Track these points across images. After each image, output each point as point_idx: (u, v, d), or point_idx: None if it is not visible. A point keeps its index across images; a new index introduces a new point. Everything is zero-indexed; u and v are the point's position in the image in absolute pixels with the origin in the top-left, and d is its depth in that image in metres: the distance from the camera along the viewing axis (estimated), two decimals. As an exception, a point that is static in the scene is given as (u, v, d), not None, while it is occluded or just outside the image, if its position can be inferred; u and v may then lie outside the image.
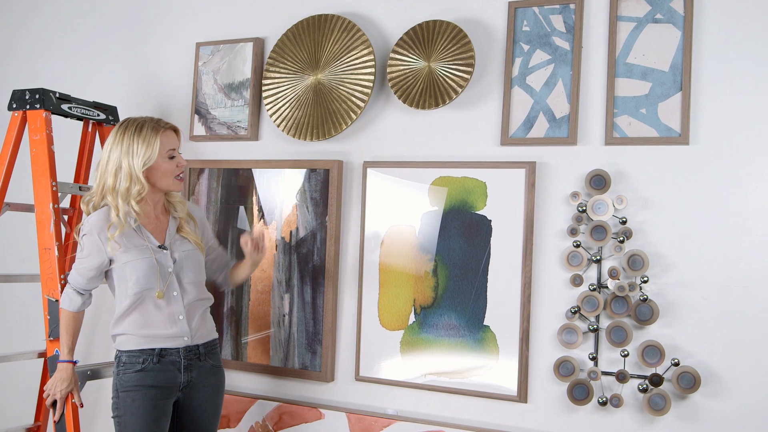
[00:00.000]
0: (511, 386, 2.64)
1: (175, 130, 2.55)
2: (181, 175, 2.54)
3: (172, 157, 2.51)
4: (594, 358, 2.53)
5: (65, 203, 3.20)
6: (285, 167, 3.04)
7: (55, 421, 2.60)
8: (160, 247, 2.53)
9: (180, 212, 2.61)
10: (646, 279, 2.46)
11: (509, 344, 2.65)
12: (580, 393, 2.53)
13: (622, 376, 2.47)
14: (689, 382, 2.39)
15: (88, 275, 2.52)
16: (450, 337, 2.74)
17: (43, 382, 3.18)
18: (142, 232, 2.52)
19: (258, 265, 2.79)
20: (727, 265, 2.40)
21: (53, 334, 2.66)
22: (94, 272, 2.51)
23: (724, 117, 2.43)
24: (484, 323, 2.68)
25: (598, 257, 2.53)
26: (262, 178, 3.09)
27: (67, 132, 3.29)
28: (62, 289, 2.65)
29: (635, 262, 2.47)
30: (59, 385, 2.57)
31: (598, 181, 2.53)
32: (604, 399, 2.49)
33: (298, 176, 3.01)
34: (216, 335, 2.67)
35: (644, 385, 2.44)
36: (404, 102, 2.79)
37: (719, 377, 2.40)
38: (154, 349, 2.48)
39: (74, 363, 2.59)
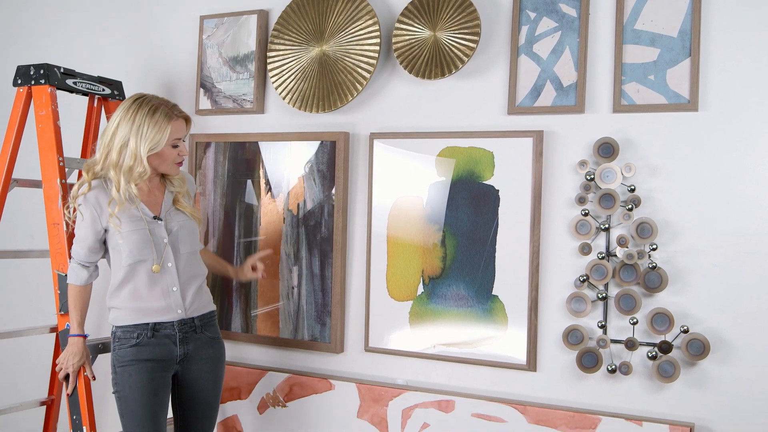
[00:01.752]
0: (521, 355, 2.65)
1: (187, 120, 2.56)
2: (180, 162, 2.57)
3: (176, 146, 2.52)
4: (603, 326, 2.53)
5: (72, 179, 3.20)
6: (291, 140, 3.03)
7: (68, 394, 2.63)
8: (154, 218, 2.53)
9: (177, 186, 2.62)
10: (654, 247, 2.46)
11: (518, 314, 2.65)
12: (589, 361, 2.54)
13: (631, 344, 2.48)
14: (698, 348, 2.39)
15: (87, 246, 2.53)
16: (459, 308, 2.74)
17: (56, 356, 3.20)
18: (137, 204, 2.52)
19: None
20: (737, 231, 2.39)
21: (64, 308, 2.68)
22: (91, 243, 2.52)
23: (734, 83, 2.41)
24: (493, 293, 2.69)
25: (607, 225, 2.52)
26: (268, 151, 3.08)
27: (73, 107, 3.29)
28: (71, 264, 2.67)
29: (644, 229, 2.46)
30: (71, 358, 2.59)
31: (606, 149, 2.52)
32: (614, 367, 2.50)
33: (304, 148, 3.00)
34: (213, 308, 2.68)
35: (653, 353, 2.45)
36: (410, 72, 2.77)
37: (729, 344, 2.40)
38: (148, 324, 2.50)
39: (85, 337, 2.61)
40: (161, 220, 2.55)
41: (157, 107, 2.48)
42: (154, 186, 2.60)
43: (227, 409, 3.10)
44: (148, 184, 2.57)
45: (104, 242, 2.55)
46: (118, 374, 2.50)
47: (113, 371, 2.52)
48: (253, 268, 2.85)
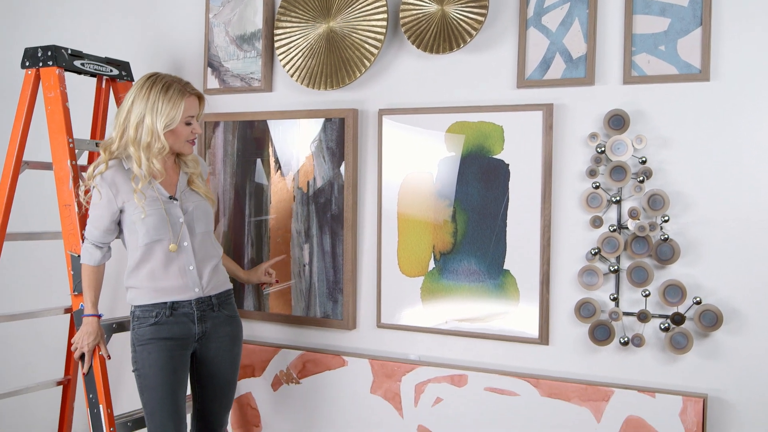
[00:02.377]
0: (533, 329, 2.65)
1: (200, 98, 2.58)
2: (193, 140, 2.58)
3: (189, 123, 2.54)
4: (615, 299, 2.53)
5: (83, 160, 3.21)
6: (300, 117, 3.02)
7: (83, 374, 2.65)
8: (170, 198, 2.55)
9: (191, 168, 2.64)
10: (666, 218, 2.44)
11: (530, 288, 2.65)
12: (601, 334, 2.54)
13: (643, 316, 2.47)
14: (711, 320, 2.39)
15: (102, 227, 2.55)
16: (470, 283, 2.74)
17: (71, 336, 3.23)
18: (153, 185, 2.54)
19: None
20: (750, 201, 2.38)
21: (77, 288, 2.70)
22: (107, 224, 2.54)
23: (746, 52, 2.38)
24: (504, 268, 2.69)
25: (618, 198, 2.51)
26: (277, 130, 3.08)
27: (82, 89, 3.29)
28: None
29: (655, 201, 2.45)
30: (86, 338, 2.61)
31: (617, 121, 2.50)
32: (626, 339, 2.50)
33: (313, 126, 3.00)
34: (230, 286, 2.70)
35: (666, 324, 2.44)
36: (418, 47, 2.76)
37: (742, 314, 2.39)
38: (166, 303, 2.53)
39: (99, 317, 2.63)
40: (177, 200, 2.57)
41: (171, 84, 2.50)
42: (169, 167, 2.62)
43: (241, 386, 3.13)
44: (163, 164, 2.58)
45: (118, 223, 2.57)
46: (137, 353, 2.53)
47: (133, 350, 2.54)
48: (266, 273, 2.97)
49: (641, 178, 2.47)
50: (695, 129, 2.44)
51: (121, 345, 3.23)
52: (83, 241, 2.62)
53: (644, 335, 2.49)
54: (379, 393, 2.88)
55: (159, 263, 2.52)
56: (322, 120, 2.98)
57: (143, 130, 2.47)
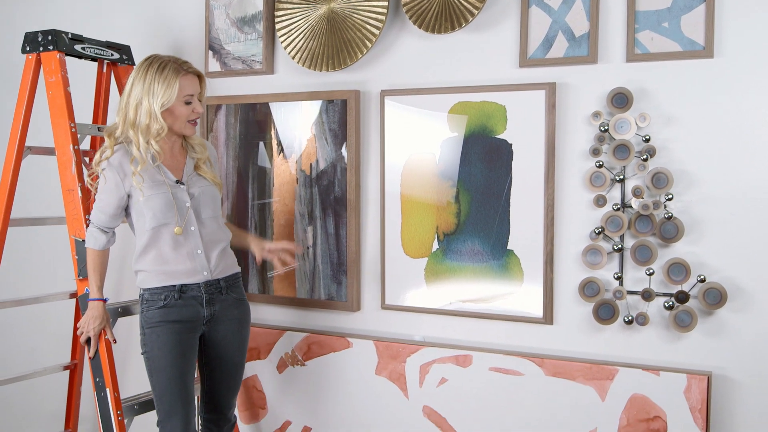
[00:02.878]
0: (537, 309, 2.65)
1: (200, 76, 2.57)
2: (194, 120, 2.56)
3: (189, 103, 2.52)
4: (619, 278, 2.53)
5: (85, 144, 3.21)
6: (302, 99, 3.01)
7: (90, 358, 2.66)
8: (177, 182, 2.55)
9: (199, 153, 2.63)
10: (670, 197, 2.44)
11: (534, 267, 2.65)
12: (605, 313, 2.54)
13: (647, 295, 2.47)
14: (715, 297, 2.39)
15: (109, 212, 2.55)
16: (474, 263, 2.74)
17: (77, 321, 3.24)
18: (160, 169, 2.55)
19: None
20: (754, 179, 2.37)
21: (82, 273, 2.70)
22: (114, 208, 2.55)
23: (750, 28, 2.36)
24: (508, 247, 2.68)
25: (622, 177, 2.51)
26: (279, 112, 3.07)
27: (83, 73, 3.28)
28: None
29: (659, 180, 2.44)
30: (92, 322, 2.62)
31: (620, 100, 2.49)
32: (630, 318, 2.50)
33: (315, 108, 2.99)
34: (238, 269, 2.70)
35: (670, 303, 2.44)
36: (419, 27, 2.74)
37: (746, 292, 2.39)
38: (174, 286, 2.53)
39: (104, 301, 2.64)
40: (183, 184, 2.57)
41: (166, 64, 2.49)
42: (177, 151, 2.62)
43: (247, 369, 3.14)
44: (170, 148, 2.59)
45: (125, 208, 2.57)
46: (146, 335, 2.54)
47: (142, 332, 2.56)
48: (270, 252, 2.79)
49: (645, 157, 2.46)
50: (699, 106, 2.42)
51: (126, 329, 3.24)
52: (88, 226, 2.63)
53: (648, 314, 2.49)
54: (384, 374, 2.89)
55: (167, 247, 2.53)
56: (324, 102, 2.97)
57: (142, 112, 2.47)
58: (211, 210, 2.61)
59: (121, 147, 2.54)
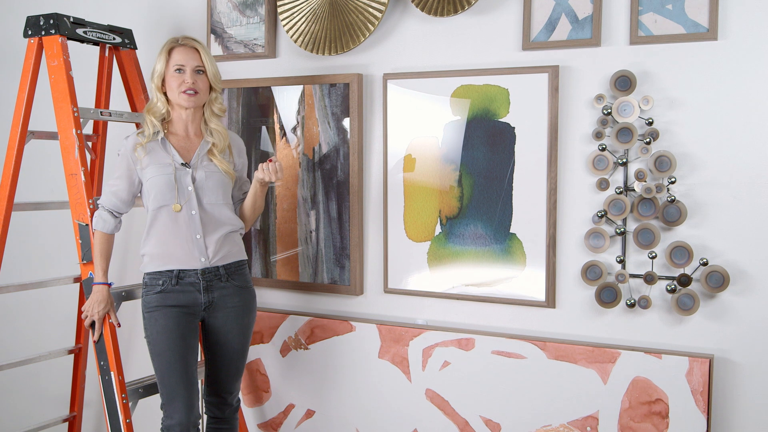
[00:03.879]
0: (539, 292, 2.66)
1: (196, 48, 2.60)
2: (188, 91, 2.57)
3: (180, 72, 2.57)
4: (621, 261, 2.53)
5: (88, 129, 3.21)
6: (304, 83, 3.00)
7: (94, 342, 2.67)
8: (183, 164, 2.56)
9: (215, 139, 2.64)
10: (673, 180, 2.43)
11: (536, 251, 2.65)
12: (608, 296, 2.54)
13: (650, 278, 2.47)
14: (718, 281, 2.39)
15: (121, 196, 2.60)
16: (477, 247, 2.74)
17: (81, 305, 3.25)
18: (167, 149, 2.57)
19: (262, 189, 2.67)
20: (758, 162, 2.36)
21: (86, 257, 2.71)
22: (125, 193, 2.60)
23: (754, 10, 2.35)
24: (511, 231, 2.68)
25: (624, 160, 2.50)
26: (282, 96, 3.06)
27: (85, 58, 3.27)
28: (91, 214, 2.69)
29: (662, 163, 2.44)
30: (96, 306, 2.63)
31: (624, 83, 2.48)
32: (633, 301, 2.50)
33: (318, 92, 2.98)
34: (242, 257, 2.70)
35: (672, 286, 2.44)
36: (422, 10, 2.73)
37: (749, 275, 2.39)
38: (172, 271, 2.55)
39: (109, 285, 2.65)
40: (189, 168, 2.58)
41: (166, 41, 2.60)
42: (192, 134, 2.65)
43: (250, 353, 3.15)
44: (184, 129, 2.63)
45: (137, 195, 2.63)
46: (146, 319, 2.57)
47: (143, 317, 2.58)
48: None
49: (648, 140, 2.45)
50: (703, 89, 2.41)
51: (131, 312, 3.26)
52: (97, 209, 2.64)
53: (651, 297, 2.49)
54: (387, 358, 2.90)
55: (167, 230, 2.54)
56: (326, 86, 2.96)
57: (152, 91, 2.60)
58: (214, 196, 2.60)
59: (136, 131, 2.63)
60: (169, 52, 2.59)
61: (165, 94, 2.61)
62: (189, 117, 2.62)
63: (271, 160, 2.59)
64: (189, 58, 2.57)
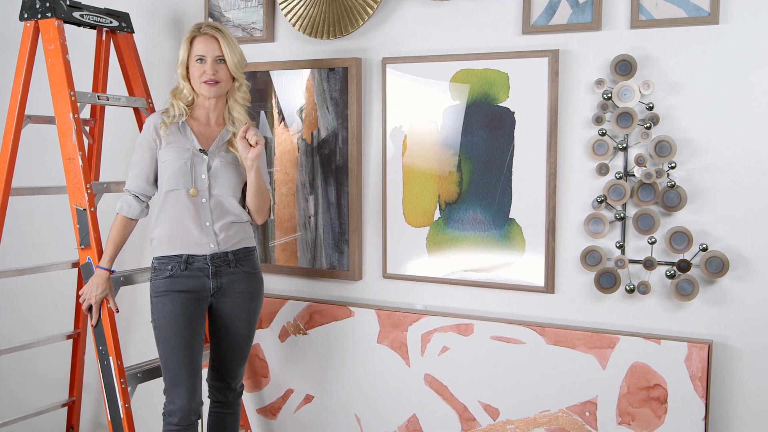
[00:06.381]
0: (539, 278, 2.65)
1: (216, 37, 2.56)
2: (210, 82, 2.55)
3: (201, 62, 2.56)
4: (621, 247, 2.52)
5: (85, 113, 3.20)
6: (303, 67, 2.99)
7: (92, 326, 2.67)
8: (201, 151, 2.56)
9: (237, 129, 2.62)
10: (673, 165, 2.42)
11: (535, 236, 2.64)
12: (607, 281, 2.53)
13: (649, 264, 2.47)
14: (717, 266, 2.38)
15: (146, 176, 2.61)
16: (476, 232, 2.74)
17: (79, 290, 3.25)
18: (187, 133, 2.57)
19: (254, 168, 2.56)
20: (759, 148, 2.35)
21: (84, 242, 2.70)
22: (149, 172, 2.61)
23: (756, -7, 2.33)
24: (510, 216, 2.67)
25: (624, 145, 2.49)
26: (280, 80, 3.05)
27: (82, 42, 3.25)
28: (89, 198, 2.68)
29: (662, 148, 2.42)
30: (94, 290, 2.62)
31: (624, 67, 2.46)
32: (632, 286, 2.50)
33: (316, 76, 2.96)
34: (251, 244, 2.69)
35: (672, 272, 2.44)
36: (421, -7, 2.71)
37: (748, 261, 2.39)
38: (181, 256, 2.54)
39: (111, 272, 2.64)
40: (207, 155, 2.57)
41: (189, 29, 2.59)
42: (213, 122, 2.64)
43: (249, 337, 3.15)
44: (206, 116, 2.63)
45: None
46: (154, 304, 2.57)
47: (150, 301, 2.58)
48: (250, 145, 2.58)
49: (648, 125, 2.44)
50: (704, 73, 2.40)
51: (130, 297, 3.25)
52: (124, 193, 2.65)
53: (650, 282, 2.49)
54: (386, 343, 2.90)
55: (177, 215, 2.54)
56: (325, 70, 2.94)
57: (178, 75, 2.60)
58: (226, 187, 2.59)
59: (158, 111, 2.64)
60: (191, 41, 2.56)
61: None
62: (211, 105, 2.61)
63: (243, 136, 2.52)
64: (209, 48, 2.54)
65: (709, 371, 2.39)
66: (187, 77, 2.59)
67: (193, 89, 2.60)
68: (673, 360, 2.43)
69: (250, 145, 2.53)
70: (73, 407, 3.45)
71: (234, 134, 2.62)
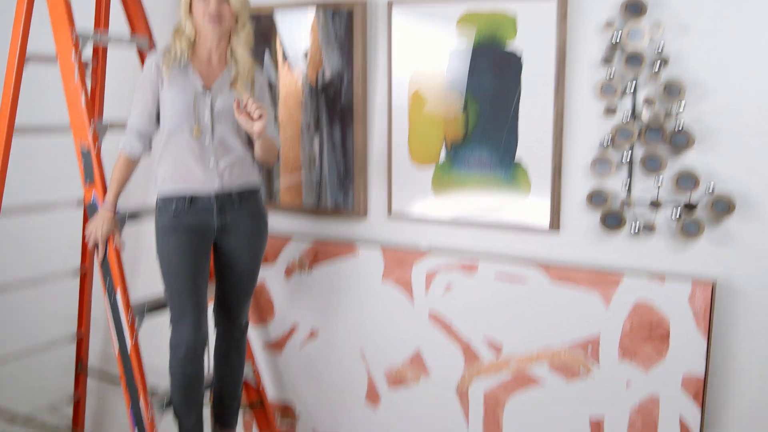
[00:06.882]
0: (544, 218, 2.68)
1: None
2: (214, 18, 2.52)
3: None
4: (627, 187, 2.54)
5: (87, 52, 3.16)
6: (307, 4, 2.94)
7: (99, 263, 2.70)
8: (204, 89, 2.56)
9: (240, 68, 2.60)
10: (682, 106, 2.42)
11: (541, 178, 2.66)
12: (612, 221, 2.56)
13: (655, 204, 2.49)
14: (724, 207, 2.41)
15: (147, 113, 2.59)
16: (482, 172, 2.75)
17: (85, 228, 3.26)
18: (189, 73, 2.56)
19: (261, 137, 2.56)
20: (768, 89, 2.35)
21: (89, 177, 2.69)
22: (152, 108, 2.59)
23: (771, -69, 2.30)
24: (516, 158, 2.69)
25: (633, 87, 2.49)
26: (284, 21, 3.01)
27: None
28: (93, 137, 2.68)
29: (671, 89, 2.42)
30: (99, 227, 2.64)
31: (634, 8, 2.44)
32: (637, 226, 2.53)
33: (321, 17, 2.93)
34: (255, 183, 2.71)
35: (678, 212, 2.47)
36: (429, -70, 2.66)
37: (755, 202, 2.40)
38: (185, 195, 2.56)
39: (116, 211, 2.66)
40: (210, 93, 2.56)
41: None
42: (215, 61, 2.62)
43: (255, 276, 3.19)
44: (207, 55, 2.60)
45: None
46: (158, 240, 2.60)
47: (156, 237, 2.61)
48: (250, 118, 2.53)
49: (657, 67, 2.43)
50: (716, 14, 2.37)
51: (135, 233, 3.27)
52: (127, 131, 2.63)
53: (656, 222, 2.52)
54: (391, 281, 2.94)
55: (180, 154, 2.55)
56: (330, 11, 2.91)
57: (181, 12, 2.56)
58: (231, 126, 2.59)
59: (160, 49, 2.63)
60: None
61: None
62: (214, 43, 2.59)
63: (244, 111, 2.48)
64: None
65: (712, 310, 2.44)
66: (190, 14, 2.56)
67: (194, 28, 2.57)
68: (676, 299, 2.47)
69: (252, 119, 2.48)
70: (81, 342, 3.51)
71: (238, 73, 2.60)
